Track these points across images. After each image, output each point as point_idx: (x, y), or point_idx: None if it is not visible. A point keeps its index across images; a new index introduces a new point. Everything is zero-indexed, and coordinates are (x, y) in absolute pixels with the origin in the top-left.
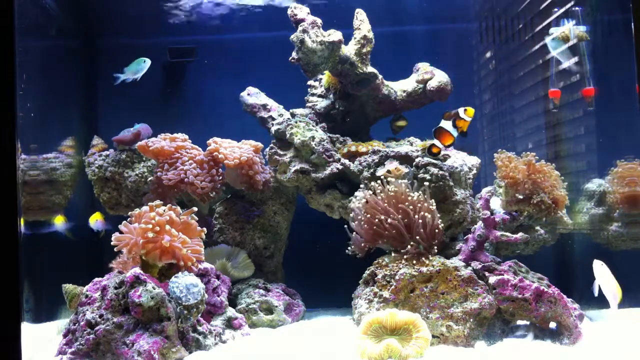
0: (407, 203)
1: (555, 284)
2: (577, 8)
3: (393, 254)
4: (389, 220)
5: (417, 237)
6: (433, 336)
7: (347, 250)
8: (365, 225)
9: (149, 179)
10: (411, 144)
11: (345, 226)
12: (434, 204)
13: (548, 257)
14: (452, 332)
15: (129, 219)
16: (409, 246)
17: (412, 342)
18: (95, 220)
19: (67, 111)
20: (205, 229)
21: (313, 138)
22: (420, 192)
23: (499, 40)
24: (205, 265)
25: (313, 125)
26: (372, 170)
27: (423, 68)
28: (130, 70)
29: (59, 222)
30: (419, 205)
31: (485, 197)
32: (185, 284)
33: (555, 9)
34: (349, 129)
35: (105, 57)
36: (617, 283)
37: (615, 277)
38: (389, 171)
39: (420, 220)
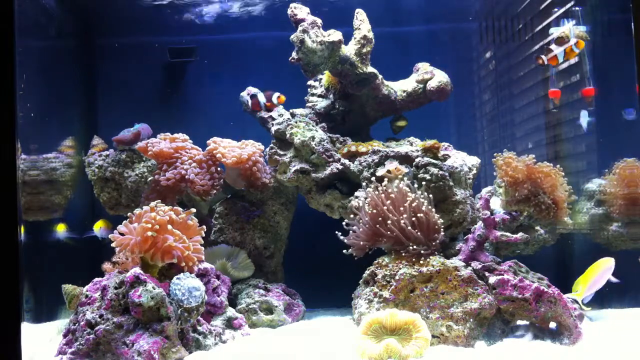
0: (407, 204)
1: (555, 284)
2: (577, 8)
3: (393, 254)
4: (390, 220)
5: (417, 237)
6: (433, 336)
7: (345, 251)
8: (366, 225)
9: (149, 179)
10: (411, 144)
11: (344, 223)
12: (432, 203)
13: (548, 257)
14: (452, 332)
15: (128, 220)
16: (409, 246)
17: (412, 342)
18: (100, 228)
19: (67, 111)
20: (204, 227)
21: (313, 138)
22: (420, 192)
23: (499, 40)
24: (205, 265)
25: (313, 125)
26: (372, 170)
27: (423, 68)
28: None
29: (61, 230)
30: (419, 205)
31: (485, 197)
32: (188, 286)
33: (555, 9)
34: (349, 129)
35: (105, 57)
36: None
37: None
38: (389, 171)
39: (424, 219)
